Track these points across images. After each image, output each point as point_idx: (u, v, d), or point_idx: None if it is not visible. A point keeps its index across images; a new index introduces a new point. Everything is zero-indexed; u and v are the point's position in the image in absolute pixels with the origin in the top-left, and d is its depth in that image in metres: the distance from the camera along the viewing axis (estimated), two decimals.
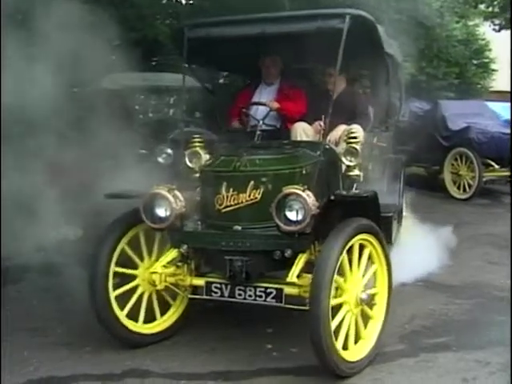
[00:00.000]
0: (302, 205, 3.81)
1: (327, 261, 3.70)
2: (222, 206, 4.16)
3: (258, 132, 5.34)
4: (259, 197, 4.08)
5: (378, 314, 4.27)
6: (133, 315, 4.45)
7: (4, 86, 4.79)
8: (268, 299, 4.06)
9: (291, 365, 4.17)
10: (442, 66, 14.22)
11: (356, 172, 4.66)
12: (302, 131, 5.28)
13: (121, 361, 4.24)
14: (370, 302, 4.05)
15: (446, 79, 15.18)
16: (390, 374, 4.08)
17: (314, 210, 3.84)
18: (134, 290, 4.47)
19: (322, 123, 5.28)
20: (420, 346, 4.52)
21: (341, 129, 5.24)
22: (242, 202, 4.10)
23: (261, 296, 4.09)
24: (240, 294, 4.14)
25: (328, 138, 5.20)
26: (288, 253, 3.96)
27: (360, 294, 3.98)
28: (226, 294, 4.18)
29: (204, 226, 4.34)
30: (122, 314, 4.35)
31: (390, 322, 4.44)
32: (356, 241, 3.98)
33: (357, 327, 4.05)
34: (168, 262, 4.35)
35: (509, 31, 14.25)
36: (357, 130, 5.15)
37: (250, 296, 4.12)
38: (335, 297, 3.86)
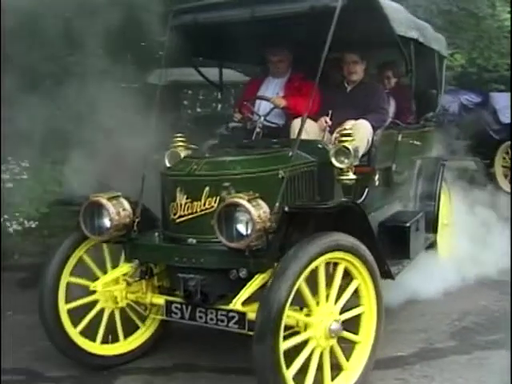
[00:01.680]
0: (247, 217, 3.16)
1: (276, 292, 3.05)
2: (177, 216, 3.59)
3: (258, 129, 4.75)
4: (216, 205, 3.47)
5: (365, 337, 3.58)
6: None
7: None
8: (230, 324, 3.46)
9: None
10: (494, 57, 13.03)
11: (349, 176, 3.94)
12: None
13: None
14: (340, 332, 3.35)
15: (498, 71, 14.11)
16: (441, 370, 3.95)
17: (263, 223, 3.19)
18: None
19: (327, 119, 4.61)
20: (472, 343, 4.37)
21: (348, 125, 4.52)
22: (196, 212, 3.52)
23: (222, 320, 3.50)
24: (201, 317, 3.58)
25: (333, 136, 4.53)
26: (243, 273, 3.34)
27: (330, 325, 3.29)
28: (187, 315, 3.63)
29: (161, 238, 3.79)
30: (75, 332, 3.90)
31: (440, 319, 4.53)
32: (323, 261, 3.29)
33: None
34: (129, 277, 3.85)
35: None
36: (360, 126, 4.44)
37: (211, 320, 3.54)
38: (296, 332, 3.26)
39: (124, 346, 4.10)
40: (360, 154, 4.40)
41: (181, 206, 3.55)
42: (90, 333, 4.01)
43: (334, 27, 3.80)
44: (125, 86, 7.04)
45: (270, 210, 3.25)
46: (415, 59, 4.80)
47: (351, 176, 3.95)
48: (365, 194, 4.57)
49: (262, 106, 5.00)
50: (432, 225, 5.45)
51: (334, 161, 3.91)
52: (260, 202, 3.24)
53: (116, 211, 3.58)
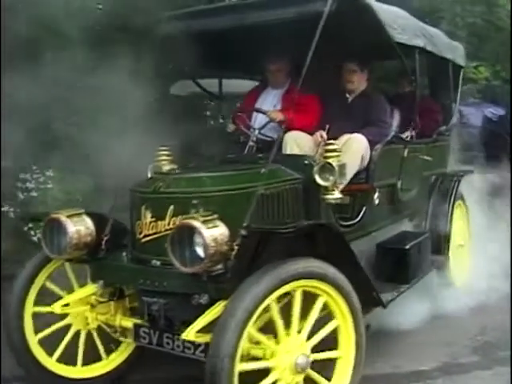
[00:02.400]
0: (201, 240, 2.90)
1: (228, 322, 2.77)
2: (142, 235, 3.36)
3: (251, 143, 4.50)
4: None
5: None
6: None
7: None
8: (197, 353, 3.19)
9: None
10: None
11: (335, 195, 3.64)
12: (294, 143, 4.32)
13: None
14: (307, 369, 3.06)
15: None
16: None
17: (220, 246, 2.93)
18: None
19: (323, 133, 4.32)
20: (494, 358, 4.29)
21: (342, 139, 4.22)
22: (160, 231, 3.27)
23: (189, 348, 3.24)
24: (168, 343, 3.33)
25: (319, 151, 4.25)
26: (204, 299, 3.08)
27: (297, 358, 3.00)
28: (154, 341, 3.39)
29: (128, 258, 3.57)
30: (50, 361, 3.72)
31: (463, 333, 4.50)
32: (292, 288, 3.01)
33: None
34: (95, 298, 3.65)
35: None
36: (353, 141, 4.14)
37: (177, 347, 3.30)
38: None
39: (108, 364, 3.91)
40: (353, 170, 4.13)
41: (146, 224, 3.33)
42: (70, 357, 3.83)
43: (319, 33, 3.54)
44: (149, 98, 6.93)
45: (229, 233, 2.98)
46: (423, 69, 4.49)
47: (337, 195, 3.65)
48: (362, 213, 4.27)
49: (258, 119, 4.75)
50: (442, 246, 5.08)
51: (317, 178, 3.62)
52: (218, 223, 2.99)
53: (76, 229, 3.38)
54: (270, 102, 4.85)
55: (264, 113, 4.59)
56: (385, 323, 4.35)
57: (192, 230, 2.90)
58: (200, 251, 2.93)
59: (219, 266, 3.04)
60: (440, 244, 5.08)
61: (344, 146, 4.13)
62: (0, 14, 5.12)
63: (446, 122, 5.36)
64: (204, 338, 2.98)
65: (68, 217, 3.39)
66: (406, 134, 4.61)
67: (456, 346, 4.44)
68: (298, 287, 3.03)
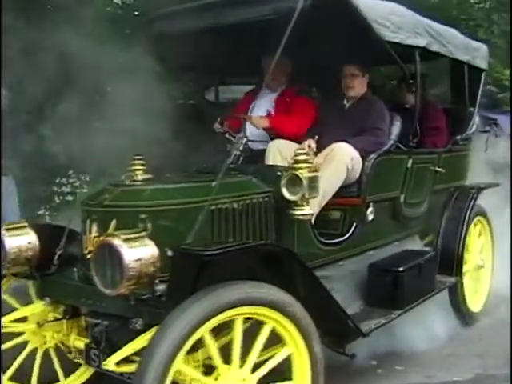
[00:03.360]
0: (119, 261, 2.60)
1: (152, 355, 2.45)
2: (87, 251, 3.10)
3: (236, 152, 4.17)
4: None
5: None
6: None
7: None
8: None
9: None
10: None
11: (304, 211, 3.28)
12: (277, 152, 3.97)
13: None
14: None
15: None
16: None
17: (146, 267, 2.62)
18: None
19: (312, 143, 3.96)
20: None
21: (332, 148, 3.85)
22: None
23: None
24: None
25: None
26: (139, 324, 2.79)
27: None
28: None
29: (78, 275, 3.32)
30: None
31: (495, 345, 4.35)
32: (232, 316, 2.67)
33: None
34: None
35: None
36: (338, 150, 3.76)
37: (126, 373, 3.02)
38: None
39: None
40: (337, 183, 3.75)
41: (90, 240, 3.07)
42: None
43: (290, 30, 3.19)
44: (181, 103, 6.75)
45: (159, 253, 2.68)
46: (430, 71, 4.07)
47: (307, 211, 3.28)
48: (352, 230, 3.88)
49: (251, 126, 4.41)
50: (452, 266, 4.60)
51: (284, 191, 3.27)
52: (147, 242, 2.68)
53: (14, 243, 3.15)
54: (264, 105, 4.52)
55: (246, 119, 4.25)
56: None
57: (112, 249, 2.61)
58: (120, 272, 2.63)
59: (159, 288, 2.74)
60: (449, 265, 4.61)
61: (328, 155, 3.77)
62: (0, 15, 5.05)
63: (461, 131, 4.86)
64: (129, 368, 2.69)
65: (8, 230, 3.17)
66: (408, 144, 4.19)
67: (489, 357, 4.27)
68: (238, 315, 2.68)
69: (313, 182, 3.24)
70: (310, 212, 3.29)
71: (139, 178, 3.85)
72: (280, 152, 3.92)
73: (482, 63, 5.01)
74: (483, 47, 5.09)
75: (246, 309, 2.69)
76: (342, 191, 3.91)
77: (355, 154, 3.81)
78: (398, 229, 4.39)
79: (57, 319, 3.38)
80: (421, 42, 4.01)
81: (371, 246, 4.10)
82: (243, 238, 3.23)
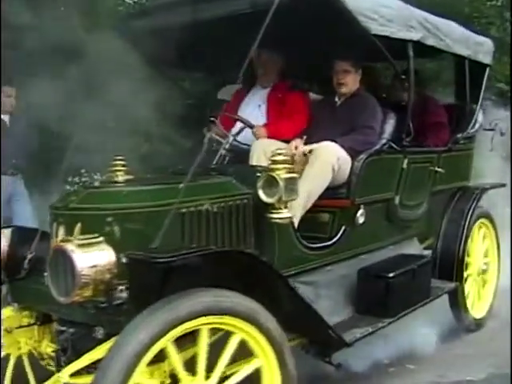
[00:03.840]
0: (71, 267, 2.46)
1: (108, 367, 2.30)
2: None
3: (223, 151, 4.03)
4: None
5: None
6: None
7: None
8: None
9: None
10: None
11: (282, 214, 3.11)
12: (262, 153, 3.79)
13: None
14: None
15: None
16: None
17: (101, 274, 2.48)
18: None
19: (299, 143, 3.80)
20: None
21: (316, 148, 3.68)
22: None
23: None
24: None
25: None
26: (100, 332, 2.66)
27: None
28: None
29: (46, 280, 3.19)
30: None
31: (507, 344, 4.13)
32: (196, 326, 2.51)
33: None
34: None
35: None
36: (322, 150, 3.59)
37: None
38: None
39: None
40: (322, 184, 3.58)
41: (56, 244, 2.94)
42: None
43: (266, 24, 3.03)
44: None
45: (116, 259, 2.54)
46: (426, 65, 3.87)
47: (285, 214, 3.11)
48: (340, 233, 3.71)
49: (239, 123, 4.26)
50: (452, 271, 4.40)
51: (260, 193, 3.11)
52: (103, 246, 2.54)
53: None
54: (255, 102, 4.36)
55: (250, 126, 4.08)
56: None
57: (65, 255, 2.47)
58: (72, 279, 2.49)
59: (122, 295, 2.60)
60: (448, 269, 4.40)
61: (312, 155, 3.60)
62: (0, 16, 4.98)
63: (462, 129, 4.64)
64: (84, 380, 2.55)
65: None
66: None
67: (501, 356, 4.13)
68: (203, 324, 2.53)
69: (291, 184, 3.07)
70: (289, 215, 3.13)
71: (119, 179, 3.74)
72: (265, 152, 3.74)
73: (485, 58, 4.77)
74: (487, 42, 4.85)
75: (211, 318, 2.54)
76: (331, 193, 3.74)
77: (342, 153, 3.63)
78: (394, 232, 4.20)
79: (28, 325, 3.27)
80: (414, 35, 3.81)
81: (363, 250, 3.92)
82: (218, 242, 3.08)
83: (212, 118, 4.17)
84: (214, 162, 3.95)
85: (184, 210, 2.93)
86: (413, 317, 3.85)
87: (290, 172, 3.09)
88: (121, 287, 2.58)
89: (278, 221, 3.10)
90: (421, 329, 4.23)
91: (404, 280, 3.71)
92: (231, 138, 4.07)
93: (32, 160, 5.94)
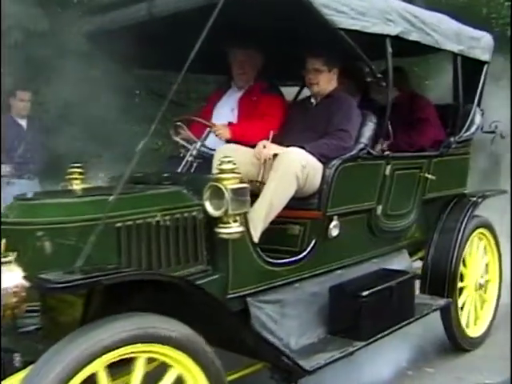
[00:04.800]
0: None
1: None
2: None
3: (190, 158, 3.75)
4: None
5: None
6: None
7: None
8: None
9: None
10: None
11: (230, 229, 2.81)
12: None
13: None
14: None
15: None
16: None
17: (10, 297, 2.22)
18: None
19: (267, 143, 3.49)
20: None
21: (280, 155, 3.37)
22: None
23: None
24: None
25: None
26: (17, 360, 2.40)
27: None
28: None
29: None
30: None
31: None
32: (124, 355, 2.23)
33: None
34: None
35: None
36: (284, 157, 3.27)
37: None
38: None
39: None
40: (285, 194, 3.27)
41: None
42: None
43: (213, 19, 2.75)
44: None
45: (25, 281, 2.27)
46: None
47: (234, 229, 2.81)
48: (309, 247, 3.39)
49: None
50: (443, 286, 4.04)
51: (207, 206, 2.82)
52: (13, 267, 2.28)
53: None
54: (228, 104, 4.06)
55: (209, 126, 3.81)
56: None
57: None
58: None
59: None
60: (443, 284, 4.04)
61: (275, 162, 3.29)
62: (0, 16, 4.85)
63: (456, 131, 4.27)
64: None
65: None
66: (378, 148, 3.65)
67: None
68: (135, 353, 2.25)
69: (239, 195, 2.78)
70: (239, 230, 2.82)
71: (75, 187, 3.52)
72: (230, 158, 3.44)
73: (483, 55, 4.39)
74: (486, 37, 4.46)
75: (141, 347, 2.25)
76: (302, 203, 3.44)
77: (310, 160, 3.31)
78: (377, 244, 3.87)
79: None
80: (393, 29, 3.47)
81: (339, 265, 3.60)
82: (162, 259, 2.81)
83: (178, 122, 3.92)
84: (179, 170, 3.70)
85: (119, 225, 2.65)
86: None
87: (239, 182, 2.79)
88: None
89: (225, 236, 2.81)
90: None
91: (380, 299, 3.38)
92: (198, 144, 3.79)
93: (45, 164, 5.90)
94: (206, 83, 6.53)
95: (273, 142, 3.52)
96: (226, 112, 4.05)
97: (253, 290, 3.11)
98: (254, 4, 3.02)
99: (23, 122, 5.92)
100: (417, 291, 4.09)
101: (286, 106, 4.00)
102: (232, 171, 2.79)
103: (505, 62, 5.89)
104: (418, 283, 4.15)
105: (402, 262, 4.07)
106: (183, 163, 3.71)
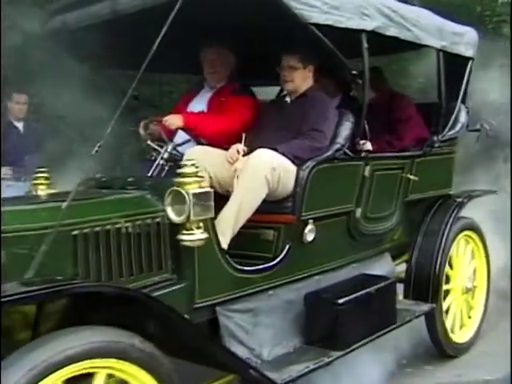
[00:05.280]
0: None
1: None
2: None
3: (161, 161, 3.60)
4: None
5: None
6: None
7: None
8: None
9: None
10: None
11: (193, 236, 2.66)
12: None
13: None
14: None
15: None
16: None
17: None
18: None
19: (240, 147, 3.35)
20: None
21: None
22: None
23: None
24: None
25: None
26: None
27: None
28: None
29: None
30: None
31: None
32: (76, 372, 2.07)
33: None
34: None
35: None
36: (253, 159, 3.13)
37: None
38: None
39: None
40: (255, 198, 3.12)
41: None
42: None
43: (172, 16, 2.62)
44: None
45: None
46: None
47: (197, 235, 2.66)
48: (283, 253, 3.24)
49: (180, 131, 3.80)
50: (428, 291, 3.89)
51: (169, 211, 2.68)
52: None
53: None
54: (198, 105, 3.91)
55: (157, 121, 3.67)
56: None
57: None
58: None
59: None
60: (426, 288, 3.90)
61: (244, 164, 3.14)
62: (0, 15, 4.73)
63: (439, 130, 4.12)
64: None
65: None
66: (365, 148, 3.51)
67: None
68: (93, 368, 2.10)
69: (202, 200, 2.63)
70: (202, 237, 2.67)
71: (40, 192, 3.38)
72: (197, 161, 3.29)
73: (466, 50, 4.23)
74: (470, 32, 4.31)
75: (97, 362, 2.10)
76: (275, 206, 3.29)
77: (281, 162, 3.16)
78: (357, 248, 3.73)
79: None
80: (368, 24, 3.32)
81: (316, 271, 3.45)
82: (124, 268, 2.66)
83: (146, 121, 3.78)
84: (149, 174, 3.55)
85: (76, 233, 2.51)
86: None
87: (200, 186, 2.65)
88: None
89: (188, 243, 2.66)
90: None
91: (358, 306, 3.23)
92: (170, 147, 3.64)
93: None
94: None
95: (245, 143, 3.39)
96: (195, 112, 3.90)
97: (222, 299, 2.97)
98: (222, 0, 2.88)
99: (20, 125, 5.93)
100: (400, 296, 3.97)
101: (257, 108, 3.83)
102: (195, 175, 2.65)
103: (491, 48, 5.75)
104: (401, 287, 4.02)
105: (384, 266, 3.93)
106: (153, 167, 3.57)
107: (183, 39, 3.63)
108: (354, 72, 3.26)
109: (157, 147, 3.66)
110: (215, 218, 2.90)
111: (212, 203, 2.68)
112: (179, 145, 3.67)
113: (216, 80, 3.91)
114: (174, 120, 3.55)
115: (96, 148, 2.52)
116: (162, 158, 3.60)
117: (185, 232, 2.66)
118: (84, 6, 3.31)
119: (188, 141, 3.67)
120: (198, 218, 2.63)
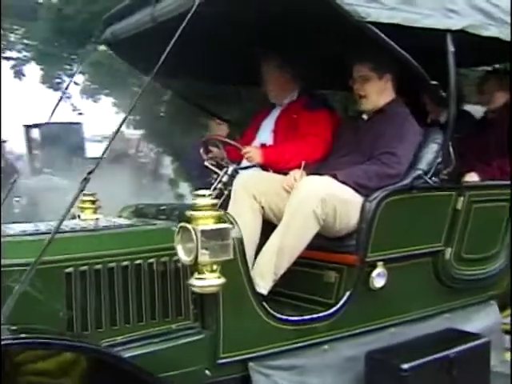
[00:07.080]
0: None
1: None
2: None
3: (219, 185, 3.22)
4: None
5: None
6: None
7: None
8: None
9: None
10: None
11: (203, 281, 2.22)
12: (243, 191, 2.87)
13: None
14: None
15: None
16: None
17: None
18: None
19: (298, 174, 2.86)
20: None
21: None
22: None
23: None
24: None
25: None
26: None
27: None
28: None
29: None
30: None
31: None
32: None
33: None
34: None
35: None
36: (301, 188, 2.65)
37: None
38: None
39: None
40: (299, 238, 2.64)
41: None
42: None
43: (185, 23, 2.24)
44: None
45: None
46: None
47: (208, 281, 2.21)
48: (342, 300, 2.70)
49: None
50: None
51: (179, 251, 2.26)
52: None
53: None
54: (268, 126, 3.46)
55: (237, 147, 3.27)
56: None
57: None
58: None
59: None
60: None
61: (290, 195, 2.65)
62: (0, 14, 4.85)
63: None
64: None
65: None
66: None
67: None
68: None
69: (213, 239, 2.18)
70: (213, 283, 2.22)
71: (84, 217, 3.14)
72: (247, 190, 2.85)
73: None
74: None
75: None
76: (338, 244, 2.78)
77: (336, 192, 2.62)
78: (447, 296, 3.06)
79: None
80: (456, 23, 2.66)
81: (388, 323, 2.85)
82: (132, 314, 2.30)
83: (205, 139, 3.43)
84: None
85: (69, 270, 2.19)
86: None
87: (216, 221, 2.21)
88: None
89: (196, 289, 2.22)
90: None
91: (431, 373, 2.58)
92: (230, 169, 3.24)
93: None
94: None
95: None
96: (265, 134, 3.45)
97: (257, 354, 2.49)
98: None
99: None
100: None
101: (337, 120, 3.31)
102: (209, 208, 2.21)
103: None
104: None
105: (486, 317, 3.21)
106: (212, 188, 3.18)
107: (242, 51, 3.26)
108: (434, 82, 2.62)
109: (216, 170, 3.28)
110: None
111: (230, 242, 2.22)
112: (241, 168, 3.26)
113: (280, 97, 3.43)
114: (252, 155, 3.14)
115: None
116: (220, 182, 3.21)
117: (196, 276, 2.23)
118: (127, 15, 3.04)
119: (253, 166, 3.25)
120: (210, 260, 2.18)
